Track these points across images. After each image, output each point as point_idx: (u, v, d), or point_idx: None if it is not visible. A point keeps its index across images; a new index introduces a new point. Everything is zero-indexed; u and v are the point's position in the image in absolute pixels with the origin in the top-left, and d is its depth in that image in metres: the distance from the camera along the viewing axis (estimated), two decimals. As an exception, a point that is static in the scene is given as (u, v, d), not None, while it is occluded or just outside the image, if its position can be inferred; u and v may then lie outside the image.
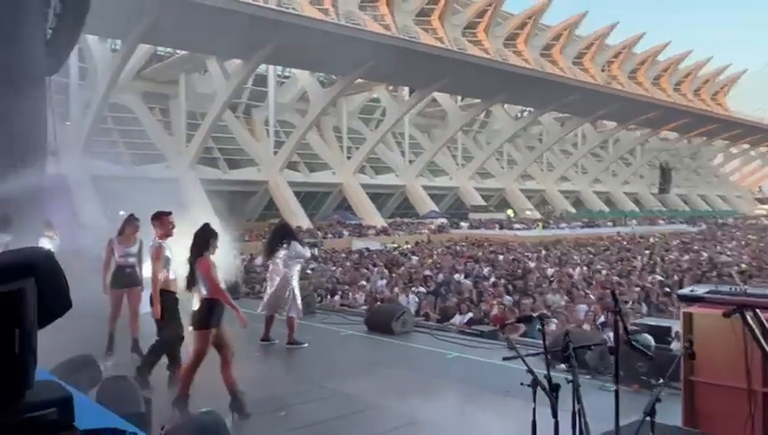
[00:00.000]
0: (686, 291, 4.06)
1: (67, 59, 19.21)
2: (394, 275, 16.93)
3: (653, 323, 6.65)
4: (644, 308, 11.60)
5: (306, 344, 7.94)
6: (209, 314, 5.11)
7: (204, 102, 41.85)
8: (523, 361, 3.03)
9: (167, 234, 6.31)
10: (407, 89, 52.81)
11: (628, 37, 66.35)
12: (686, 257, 21.15)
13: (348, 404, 5.63)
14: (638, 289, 13.17)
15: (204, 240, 5.31)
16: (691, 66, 73.84)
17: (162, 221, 6.35)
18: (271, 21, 34.47)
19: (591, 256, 22.75)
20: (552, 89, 49.74)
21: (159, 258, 6.12)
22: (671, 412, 4.54)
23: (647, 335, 6.12)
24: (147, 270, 7.23)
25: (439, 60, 42.26)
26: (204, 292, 5.12)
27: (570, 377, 2.96)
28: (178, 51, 42.56)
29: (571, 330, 8.07)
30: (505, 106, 57.31)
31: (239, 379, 6.02)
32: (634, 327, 6.78)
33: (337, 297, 13.90)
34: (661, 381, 3.07)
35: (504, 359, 3.30)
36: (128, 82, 40.55)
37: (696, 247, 26.31)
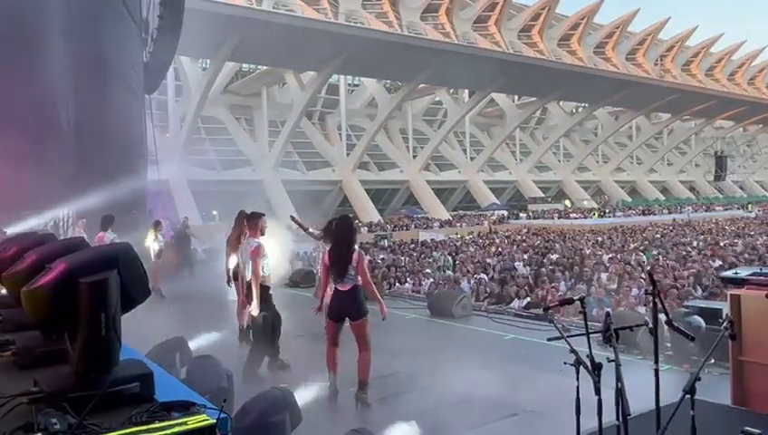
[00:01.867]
0: (729, 273, 3.82)
1: (164, 78, 20.10)
2: (456, 262, 16.75)
3: (704, 306, 6.31)
4: (699, 292, 11.02)
5: (373, 327, 7.98)
6: (364, 302, 5.14)
7: (283, 111, 42.82)
8: (566, 341, 2.92)
9: (262, 233, 6.21)
10: (466, 91, 52.13)
11: (681, 31, 63.01)
12: (741, 242, 19.92)
13: (409, 382, 5.64)
14: (693, 271, 12.53)
15: (354, 234, 5.24)
16: (744, 56, 69.35)
17: (257, 222, 6.20)
18: (343, 35, 34.81)
19: (647, 242, 21.76)
20: (605, 84, 48.03)
21: (260, 255, 6.02)
22: (721, 392, 4.30)
23: (697, 317, 5.83)
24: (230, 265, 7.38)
25: (497, 62, 41.53)
26: (348, 282, 5.02)
27: (611, 356, 2.82)
28: (260, 66, 43.63)
29: (617, 311, 7.77)
30: (561, 103, 55.68)
31: (314, 358, 6.12)
32: (685, 309, 6.47)
33: (407, 284, 13.85)
34: (702, 360, 2.88)
35: (549, 340, 3.20)
36: (217, 97, 41.84)
37: (751, 232, 24.74)
